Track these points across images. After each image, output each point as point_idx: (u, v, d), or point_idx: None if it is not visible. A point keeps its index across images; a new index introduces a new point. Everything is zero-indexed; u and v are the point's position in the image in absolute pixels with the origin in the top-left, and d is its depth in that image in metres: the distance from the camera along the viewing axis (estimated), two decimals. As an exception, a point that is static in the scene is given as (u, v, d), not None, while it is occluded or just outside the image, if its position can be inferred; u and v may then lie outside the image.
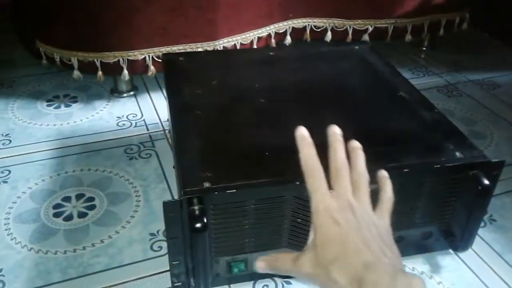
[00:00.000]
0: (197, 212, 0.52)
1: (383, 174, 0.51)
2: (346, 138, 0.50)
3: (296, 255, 0.45)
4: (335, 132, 0.50)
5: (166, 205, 0.52)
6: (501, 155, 0.88)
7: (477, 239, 0.69)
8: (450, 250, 0.68)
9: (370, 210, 0.46)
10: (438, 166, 0.58)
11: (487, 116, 1.01)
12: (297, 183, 0.55)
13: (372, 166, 0.58)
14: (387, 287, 0.39)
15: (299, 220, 0.58)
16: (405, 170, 0.58)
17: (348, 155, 0.49)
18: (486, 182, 0.59)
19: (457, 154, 0.60)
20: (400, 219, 0.62)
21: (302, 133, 0.50)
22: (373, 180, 0.54)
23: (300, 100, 0.72)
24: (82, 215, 0.73)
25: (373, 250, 0.41)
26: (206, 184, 0.54)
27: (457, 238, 0.65)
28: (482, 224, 0.73)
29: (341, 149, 0.49)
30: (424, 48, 1.32)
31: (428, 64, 1.24)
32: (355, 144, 0.51)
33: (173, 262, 0.57)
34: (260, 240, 0.59)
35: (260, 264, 0.48)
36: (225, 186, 0.54)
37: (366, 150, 0.60)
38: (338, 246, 0.42)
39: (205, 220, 0.52)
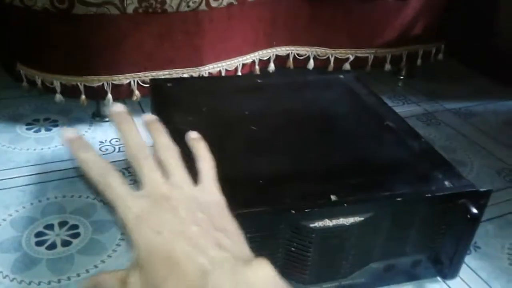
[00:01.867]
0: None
1: (192, 136, 0.44)
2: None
3: (124, 275, 0.36)
4: (117, 111, 0.39)
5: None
6: (482, 183, 0.90)
7: (463, 266, 0.70)
8: (438, 278, 0.69)
9: (190, 189, 0.38)
10: (429, 195, 0.60)
11: (466, 145, 1.04)
12: (293, 212, 0.55)
13: (365, 195, 0.59)
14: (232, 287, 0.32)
15: (293, 249, 0.58)
16: (398, 199, 0.59)
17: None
18: (475, 210, 0.60)
19: (446, 183, 0.62)
20: (392, 248, 0.62)
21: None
22: (356, 210, 0.55)
23: (291, 127, 0.73)
24: (66, 243, 0.71)
25: (205, 250, 0.34)
26: (201, 213, 0.53)
27: (445, 266, 0.66)
28: (468, 251, 0.74)
29: (133, 135, 0.39)
30: (402, 77, 1.36)
31: (406, 93, 1.28)
32: (149, 118, 0.42)
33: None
34: (253, 270, 0.58)
35: (85, 284, 0.39)
36: (221, 215, 0.53)
37: (357, 179, 0.62)
38: (165, 261, 0.34)
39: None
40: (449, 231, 0.63)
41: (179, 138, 0.66)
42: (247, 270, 0.33)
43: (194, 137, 0.44)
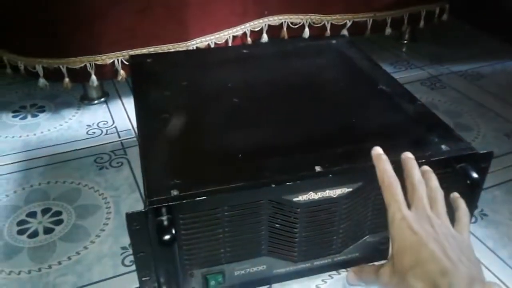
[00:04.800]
0: (165, 223, 0.48)
1: (455, 194, 0.53)
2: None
3: (379, 266, 0.47)
4: (408, 157, 0.52)
5: (130, 216, 0.48)
6: (489, 147, 0.85)
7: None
8: (441, 249, 0.64)
9: (449, 224, 0.47)
10: (424, 160, 0.54)
11: (473, 108, 0.98)
12: (273, 185, 0.51)
13: (352, 164, 0.54)
14: None
15: (277, 225, 0.54)
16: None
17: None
18: (475, 175, 0.55)
19: (443, 147, 0.57)
20: (385, 219, 0.58)
21: (377, 151, 0.52)
22: (343, 181, 0.53)
23: (276, 97, 0.68)
24: (48, 231, 0.68)
25: (450, 257, 0.42)
26: (174, 192, 0.50)
27: (447, 236, 0.61)
28: (473, 219, 0.69)
29: (416, 168, 0.51)
30: (405, 42, 1.29)
31: (410, 58, 1.21)
32: (427, 168, 0.52)
33: (143, 279, 0.53)
34: (237, 250, 0.54)
35: (350, 275, 0.52)
36: (195, 193, 0.49)
37: (345, 148, 0.57)
38: (414, 253, 0.43)
39: (173, 232, 0.47)
40: (449, 199, 0.58)
41: (157, 113, 0.62)
42: (481, 286, 0.40)
43: (456, 196, 0.53)
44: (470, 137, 0.88)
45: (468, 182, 0.55)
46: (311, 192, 0.52)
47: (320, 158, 0.54)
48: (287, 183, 0.51)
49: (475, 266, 0.43)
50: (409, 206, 0.48)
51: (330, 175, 0.52)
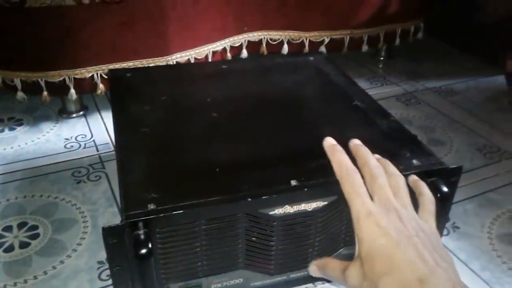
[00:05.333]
0: (141, 237, 0.48)
1: (414, 178, 0.50)
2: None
3: (345, 264, 0.43)
4: (357, 144, 0.50)
5: (106, 231, 0.48)
6: (461, 161, 0.88)
7: (440, 248, 0.67)
8: (414, 262, 0.66)
9: (415, 213, 0.44)
10: (396, 175, 0.56)
11: (446, 123, 1.01)
12: (249, 199, 0.52)
13: (327, 178, 0.56)
14: None
15: (253, 239, 0.54)
16: (362, 180, 0.55)
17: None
18: (445, 189, 0.57)
19: (414, 161, 0.58)
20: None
21: (330, 142, 0.50)
22: (318, 194, 0.53)
23: (254, 112, 0.69)
24: (24, 245, 0.68)
25: (426, 260, 0.38)
26: (151, 206, 0.50)
27: (420, 249, 0.63)
28: (445, 232, 0.71)
29: (370, 154, 0.48)
30: (381, 58, 1.32)
31: (386, 74, 1.24)
32: (379, 156, 0.50)
33: (119, 293, 0.53)
34: (214, 263, 0.55)
35: (312, 268, 0.49)
36: (172, 207, 0.50)
37: (321, 162, 0.58)
38: (387, 258, 0.39)
39: (150, 245, 0.48)
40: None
41: (135, 128, 0.63)
42: None
43: (415, 179, 0.50)
44: (443, 151, 0.91)
45: (438, 195, 0.57)
46: (287, 206, 0.53)
47: (295, 172, 0.55)
48: (263, 197, 0.52)
49: (451, 266, 0.40)
50: (370, 197, 0.44)
51: (306, 189, 0.53)
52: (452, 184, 0.58)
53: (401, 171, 0.56)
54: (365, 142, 0.63)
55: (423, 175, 0.57)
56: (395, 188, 0.45)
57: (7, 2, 0.82)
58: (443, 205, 0.58)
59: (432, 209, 0.46)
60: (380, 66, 1.29)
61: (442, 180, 0.57)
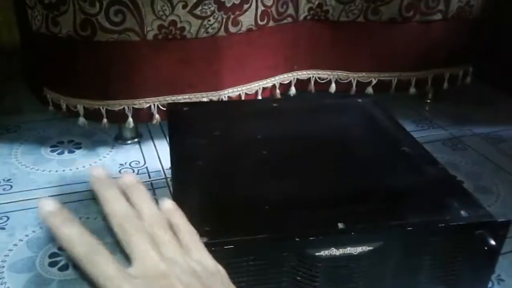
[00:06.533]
0: (193, 268, 0.51)
1: (167, 206, 0.41)
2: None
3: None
4: (97, 176, 0.38)
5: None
6: (508, 211, 0.86)
7: (485, 300, 0.66)
8: (457, 312, 0.65)
9: (186, 261, 0.36)
10: (443, 225, 0.57)
11: (493, 171, 1.00)
12: (297, 239, 0.54)
13: (374, 223, 0.57)
14: None
15: (298, 278, 0.56)
16: (409, 228, 0.56)
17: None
18: (492, 242, 0.57)
19: (462, 212, 0.59)
20: (404, 279, 0.60)
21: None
22: (364, 239, 0.53)
23: (303, 152, 0.72)
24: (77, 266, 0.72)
25: None
26: (204, 239, 0.53)
27: (463, 300, 0.62)
28: (490, 284, 0.70)
29: (119, 197, 0.37)
30: (428, 101, 1.32)
31: (433, 117, 1.24)
32: (127, 179, 0.40)
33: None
34: (258, 298, 0.57)
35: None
36: (223, 241, 0.53)
37: (367, 206, 0.60)
38: None
39: (201, 277, 0.50)
40: (466, 264, 0.60)
41: (190, 161, 0.66)
42: None
43: (169, 208, 0.40)
44: (490, 200, 0.90)
45: (485, 248, 0.57)
46: (333, 248, 0.55)
47: (343, 215, 0.57)
48: (311, 238, 0.54)
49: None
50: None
51: (352, 233, 0.55)
52: (500, 237, 0.58)
53: (447, 222, 0.58)
54: (413, 189, 0.64)
55: (470, 227, 0.58)
56: (155, 237, 0.36)
57: (77, 34, 0.89)
58: (490, 257, 0.59)
59: (192, 237, 0.39)
60: (427, 108, 1.30)
61: (490, 232, 0.57)
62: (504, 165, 1.03)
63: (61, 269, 0.71)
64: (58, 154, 1.01)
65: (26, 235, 0.77)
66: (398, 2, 1.06)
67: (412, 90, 1.19)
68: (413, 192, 0.63)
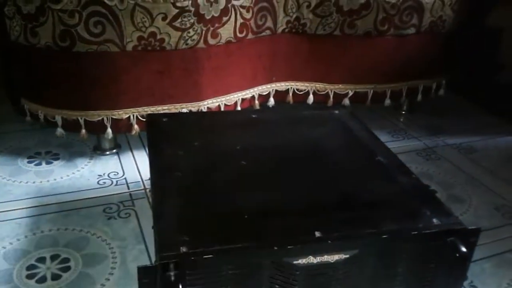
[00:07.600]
0: (172, 278, 0.51)
1: None
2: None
3: None
4: None
5: (141, 270, 0.51)
6: (480, 220, 0.89)
7: (457, 306, 0.68)
8: (431, 318, 0.67)
9: None
10: (416, 232, 0.59)
11: (466, 180, 1.03)
12: (275, 248, 0.55)
13: (350, 231, 0.59)
14: None
15: (276, 286, 0.57)
16: (383, 236, 0.58)
17: None
18: (464, 249, 0.59)
19: (434, 220, 0.61)
20: (380, 285, 0.61)
21: None
22: (340, 247, 0.54)
23: (280, 162, 0.73)
24: (55, 277, 0.71)
25: None
26: (183, 249, 0.53)
27: (437, 306, 0.64)
28: (462, 290, 0.72)
29: None
30: (403, 112, 1.36)
31: (407, 128, 1.28)
32: None
33: (147, 330, 0.55)
34: (237, 307, 0.57)
35: None
36: (202, 251, 0.53)
37: (343, 215, 0.61)
38: None
39: (180, 287, 0.51)
40: (439, 270, 0.62)
41: (170, 171, 0.67)
42: None
43: None
44: (462, 209, 0.93)
45: (457, 255, 0.59)
46: (310, 256, 0.56)
47: (320, 224, 0.58)
48: (289, 247, 0.55)
49: None
50: None
51: (329, 241, 0.56)
52: (471, 244, 0.60)
53: (420, 229, 0.59)
54: (388, 197, 0.66)
55: (442, 234, 0.60)
56: None
57: (56, 45, 0.89)
58: (462, 264, 0.61)
59: None
60: (402, 119, 1.33)
61: (461, 240, 0.59)
62: (475, 175, 1.06)
63: (39, 281, 0.70)
64: (36, 165, 1.00)
65: (3, 247, 0.76)
66: (373, 17, 1.09)
67: (388, 101, 1.22)
68: (388, 201, 0.65)
